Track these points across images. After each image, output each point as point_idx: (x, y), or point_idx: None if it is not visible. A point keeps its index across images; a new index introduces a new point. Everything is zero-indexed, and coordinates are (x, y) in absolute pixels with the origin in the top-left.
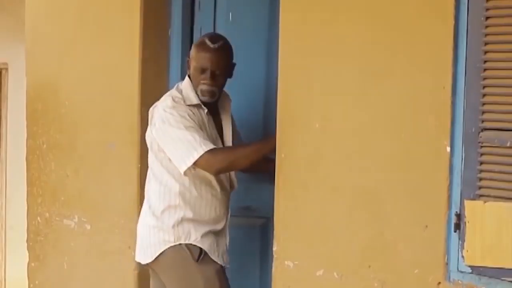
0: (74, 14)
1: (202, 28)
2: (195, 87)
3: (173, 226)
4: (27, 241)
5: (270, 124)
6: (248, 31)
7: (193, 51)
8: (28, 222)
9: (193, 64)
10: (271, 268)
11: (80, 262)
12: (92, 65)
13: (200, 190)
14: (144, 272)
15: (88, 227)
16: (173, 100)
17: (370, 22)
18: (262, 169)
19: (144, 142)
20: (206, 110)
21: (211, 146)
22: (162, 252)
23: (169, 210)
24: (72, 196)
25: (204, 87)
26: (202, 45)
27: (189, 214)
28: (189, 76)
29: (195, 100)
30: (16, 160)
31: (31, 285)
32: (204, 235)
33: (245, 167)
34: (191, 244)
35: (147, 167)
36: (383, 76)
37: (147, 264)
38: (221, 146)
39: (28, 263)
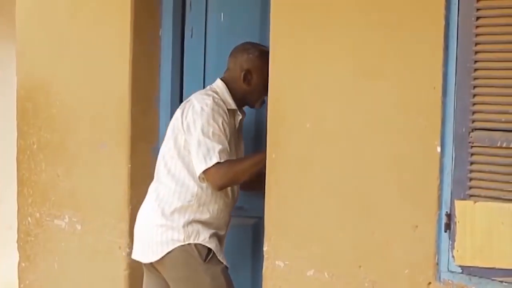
0: (65, 14)
1: (193, 28)
2: (258, 97)
3: (184, 226)
4: (17, 241)
5: (261, 124)
6: (239, 31)
7: (259, 62)
8: (19, 222)
9: (260, 74)
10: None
11: (71, 262)
12: (83, 65)
13: (216, 195)
14: (134, 272)
15: (79, 227)
16: (214, 100)
17: (361, 22)
18: (256, 187)
19: (135, 141)
20: (241, 117)
21: (224, 159)
22: (170, 251)
23: (181, 210)
24: (62, 196)
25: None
26: (267, 54)
27: (200, 217)
28: (223, 81)
29: (233, 105)
30: (7, 160)
31: (22, 285)
32: (211, 236)
33: (245, 180)
34: (199, 244)
35: (138, 167)
36: (374, 76)
37: (150, 263)
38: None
39: (19, 263)
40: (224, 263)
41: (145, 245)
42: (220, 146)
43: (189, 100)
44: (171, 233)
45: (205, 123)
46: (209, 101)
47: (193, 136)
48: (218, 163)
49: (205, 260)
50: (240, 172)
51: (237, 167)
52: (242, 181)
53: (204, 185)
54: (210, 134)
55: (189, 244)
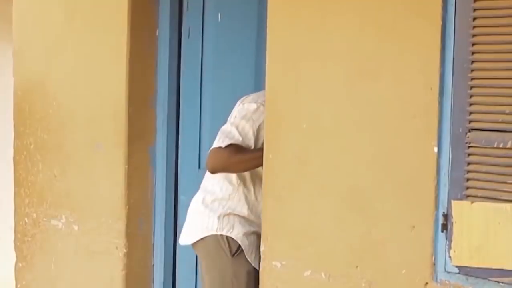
0: (61, 15)
1: (190, 28)
2: None
3: (219, 217)
4: (14, 241)
5: None
6: (236, 31)
7: None
8: (16, 223)
9: None
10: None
11: (68, 263)
12: (80, 65)
13: (258, 190)
14: (132, 273)
15: (76, 227)
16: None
17: (357, 22)
18: None
19: (131, 142)
20: None
21: (230, 143)
22: (203, 238)
23: (222, 201)
24: (59, 196)
25: None
26: None
27: (239, 210)
28: None
29: None
30: (4, 161)
31: (18, 286)
32: (247, 234)
33: (242, 172)
34: (231, 237)
35: (135, 167)
36: (371, 76)
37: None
38: None
39: (16, 264)
40: (253, 264)
41: (185, 229)
42: (240, 138)
43: (248, 96)
44: (206, 221)
45: (243, 116)
46: (261, 99)
47: (228, 122)
48: (220, 147)
49: (233, 255)
50: (236, 163)
51: (235, 157)
52: (237, 171)
53: (248, 180)
54: (240, 127)
55: (221, 235)
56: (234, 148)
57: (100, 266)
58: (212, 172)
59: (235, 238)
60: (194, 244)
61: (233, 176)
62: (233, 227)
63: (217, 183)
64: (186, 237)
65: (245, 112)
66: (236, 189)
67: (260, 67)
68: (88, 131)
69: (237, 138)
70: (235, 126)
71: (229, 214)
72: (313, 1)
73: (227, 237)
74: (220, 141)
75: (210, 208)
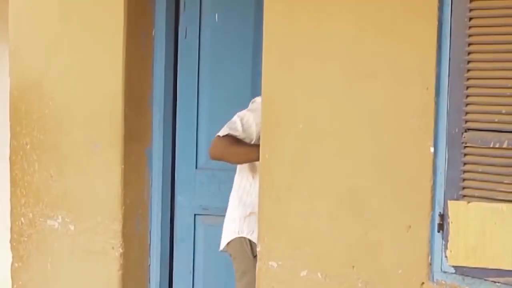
0: (58, 15)
1: (187, 29)
2: None
3: (240, 219)
4: (10, 241)
5: None
6: (233, 32)
7: None
8: (12, 223)
9: None
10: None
11: (64, 263)
12: (76, 65)
13: None
14: (128, 273)
15: (72, 227)
16: None
17: (354, 23)
18: None
19: (128, 142)
20: None
21: (228, 133)
22: (230, 241)
23: (242, 198)
24: (55, 196)
25: None
26: None
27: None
28: None
29: None
30: (0, 161)
31: (15, 286)
32: None
33: (240, 163)
34: (251, 240)
35: (131, 167)
36: (367, 77)
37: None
38: None
39: (12, 264)
40: None
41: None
42: (240, 130)
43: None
44: (232, 224)
45: (250, 108)
46: None
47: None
48: (219, 136)
49: (255, 256)
50: (231, 154)
51: (230, 148)
52: (233, 162)
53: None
54: (245, 118)
55: (243, 237)
56: (231, 139)
57: (97, 266)
58: (212, 159)
59: (255, 241)
60: (226, 249)
61: (249, 171)
62: (253, 229)
63: (236, 180)
64: (221, 243)
65: (252, 105)
66: (253, 184)
67: (257, 67)
68: (84, 131)
69: (238, 129)
70: (240, 118)
71: (249, 214)
72: (310, 2)
73: (249, 239)
74: (221, 130)
75: (236, 211)
